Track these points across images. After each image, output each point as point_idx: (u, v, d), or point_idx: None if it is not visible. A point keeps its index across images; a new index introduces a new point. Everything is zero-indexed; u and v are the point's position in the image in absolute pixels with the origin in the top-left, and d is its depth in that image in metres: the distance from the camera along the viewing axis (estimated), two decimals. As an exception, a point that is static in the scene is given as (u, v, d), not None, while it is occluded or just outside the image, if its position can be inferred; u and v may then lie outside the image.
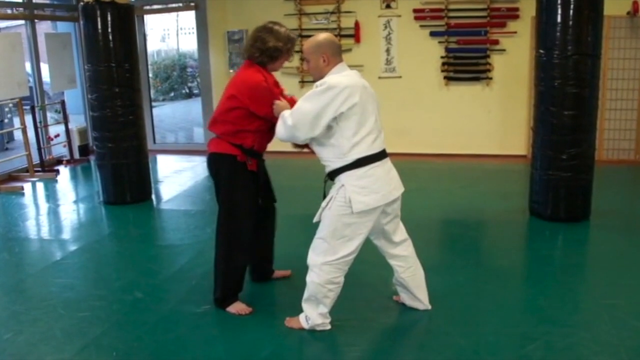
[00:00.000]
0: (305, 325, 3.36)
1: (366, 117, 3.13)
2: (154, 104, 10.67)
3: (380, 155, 3.20)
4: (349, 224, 3.16)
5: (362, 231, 3.20)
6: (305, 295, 3.33)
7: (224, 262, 3.60)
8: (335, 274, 3.23)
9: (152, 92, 10.62)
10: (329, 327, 3.35)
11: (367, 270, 4.06)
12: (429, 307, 3.56)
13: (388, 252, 3.46)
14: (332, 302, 3.31)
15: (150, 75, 11.62)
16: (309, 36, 3.65)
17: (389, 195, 3.22)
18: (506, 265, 4.32)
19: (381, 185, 3.18)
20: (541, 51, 5.04)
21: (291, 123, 3.14)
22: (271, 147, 3.66)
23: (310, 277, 3.27)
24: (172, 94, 15.36)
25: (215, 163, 3.58)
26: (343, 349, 3.26)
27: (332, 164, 3.20)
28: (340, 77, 3.15)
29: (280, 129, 3.25)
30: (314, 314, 3.33)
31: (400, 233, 3.45)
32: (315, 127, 3.10)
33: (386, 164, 3.25)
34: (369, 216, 3.18)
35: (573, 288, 4.00)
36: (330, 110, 3.05)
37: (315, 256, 3.25)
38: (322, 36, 3.26)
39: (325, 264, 3.20)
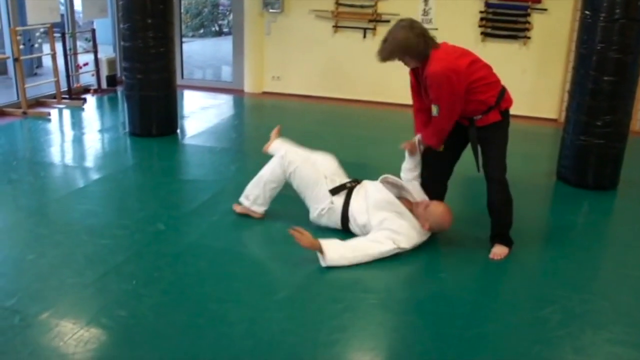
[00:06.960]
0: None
1: None
2: (183, 39, 10.56)
3: None
4: None
5: None
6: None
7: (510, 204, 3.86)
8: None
9: (182, 27, 10.50)
10: None
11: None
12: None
13: None
14: None
15: (182, 10, 11.47)
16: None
17: None
18: (529, 227, 4.26)
19: None
20: (587, 12, 4.86)
21: None
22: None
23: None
24: (201, 31, 15.21)
25: None
26: (360, 295, 3.24)
27: None
28: None
29: None
30: None
31: None
32: None
33: None
34: None
35: (595, 255, 3.97)
36: None
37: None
38: None
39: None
